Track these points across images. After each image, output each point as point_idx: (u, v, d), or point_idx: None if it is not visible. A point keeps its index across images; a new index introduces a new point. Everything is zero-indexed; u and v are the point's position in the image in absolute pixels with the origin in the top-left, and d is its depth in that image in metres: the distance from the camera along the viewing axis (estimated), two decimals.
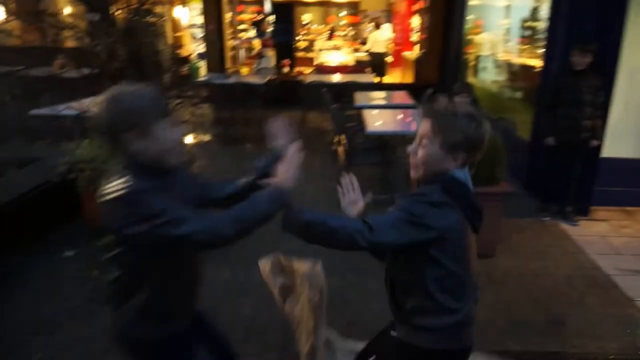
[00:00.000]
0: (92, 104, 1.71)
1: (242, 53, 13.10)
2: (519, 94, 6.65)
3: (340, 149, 6.15)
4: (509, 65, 7.05)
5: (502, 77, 7.34)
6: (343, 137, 5.59)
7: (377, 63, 12.52)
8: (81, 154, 4.23)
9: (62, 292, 3.57)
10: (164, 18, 10.09)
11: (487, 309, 3.44)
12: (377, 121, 5.85)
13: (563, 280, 3.88)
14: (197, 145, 7.59)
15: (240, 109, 9.27)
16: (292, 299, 2.43)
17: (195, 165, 4.66)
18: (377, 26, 12.65)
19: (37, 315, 3.30)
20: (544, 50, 5.39)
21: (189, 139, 7.76)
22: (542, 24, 5.71)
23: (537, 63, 5.84)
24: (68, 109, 4.78)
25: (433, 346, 1.70)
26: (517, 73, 6.77)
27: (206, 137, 8.16)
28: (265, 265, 2.52)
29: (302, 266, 2.33)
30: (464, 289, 1.70)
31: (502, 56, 7.39)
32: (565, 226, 4.83)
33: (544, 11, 5.56)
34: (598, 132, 4.67)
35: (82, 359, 2.91)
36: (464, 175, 1.68)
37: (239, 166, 6.38)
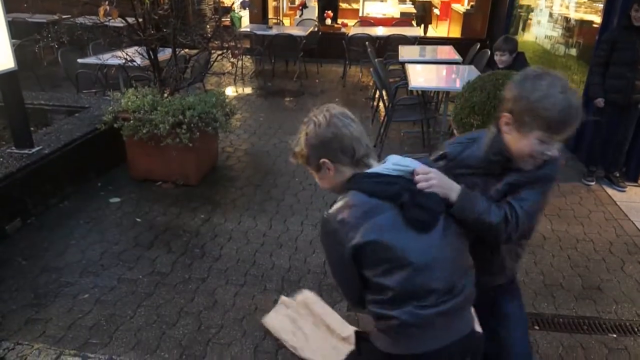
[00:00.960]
0: None
1: (284, 3, 12.85)
2: (573, 52, 6.30)
3: (381, 105, 6.06)
4: (565, 20, 6.65)
5: (556, 32, 6.94)
6: (384, 92, 5.49)
7: (420, 13, 12.09)
8: (126, 103, 4.33)
9: (108, 236, 3.75)
10: None
11: (522, 272, 3.41)
12: (421, 76, 5.71)
13: (603, 246, 3.78)
14: (238, 97, 7.63)
15: (282, 61, 9.18)
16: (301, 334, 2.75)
17: (236, 117, 4.69)
18: None
19: (84, 257, 3.48)
20: (604, 4, 5.06)
21: (230, 91, 7.82)
22: None
23: (596, 18, 5.48)
24: (113, 57, 4.86)
25: (388, 349, 1.50)
26: (573, 29, 6.38)
27: (247, 90, 8.17)
28: (270, 321, 2.86)
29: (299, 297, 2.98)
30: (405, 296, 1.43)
31: (557, 10, 6.97)
32: (611, 191, 4.65)
33: None
34: None
35: (127, 300, 3.07)
36: (382, 168, 1.50)
37: (279, 119, 6.42)
